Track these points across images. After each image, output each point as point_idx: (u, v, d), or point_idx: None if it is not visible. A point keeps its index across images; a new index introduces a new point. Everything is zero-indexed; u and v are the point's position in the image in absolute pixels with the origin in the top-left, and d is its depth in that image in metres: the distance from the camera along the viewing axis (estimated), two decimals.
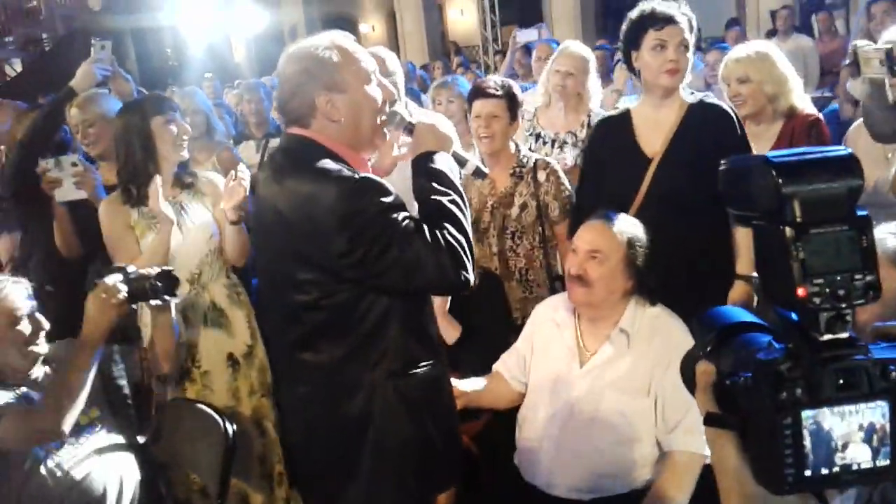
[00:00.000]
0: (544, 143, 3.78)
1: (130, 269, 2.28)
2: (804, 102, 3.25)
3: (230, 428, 2.50)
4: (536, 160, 3.11)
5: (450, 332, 2.81)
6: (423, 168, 1.93)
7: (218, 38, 13.96)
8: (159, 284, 2.26)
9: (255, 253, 2.17)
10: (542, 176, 3.05)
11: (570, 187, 3.10)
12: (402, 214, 1.80)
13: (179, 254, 2.79)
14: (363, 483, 1.93)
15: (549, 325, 2.48)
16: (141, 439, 2.44)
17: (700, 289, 2.41)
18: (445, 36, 17.70)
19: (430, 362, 1.98)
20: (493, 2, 12.78)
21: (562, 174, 3.11)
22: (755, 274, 2.65)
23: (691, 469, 2.17)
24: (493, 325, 2.94)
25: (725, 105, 2.85)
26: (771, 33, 8.06)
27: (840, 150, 0.83)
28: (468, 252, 1.84)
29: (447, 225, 1.82)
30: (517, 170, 3.08)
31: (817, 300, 0.78)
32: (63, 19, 13.46)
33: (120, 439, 2.37)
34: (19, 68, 13.60)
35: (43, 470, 2.18)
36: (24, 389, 2.25)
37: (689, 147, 2.69)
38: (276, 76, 1.98)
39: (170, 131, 2.77)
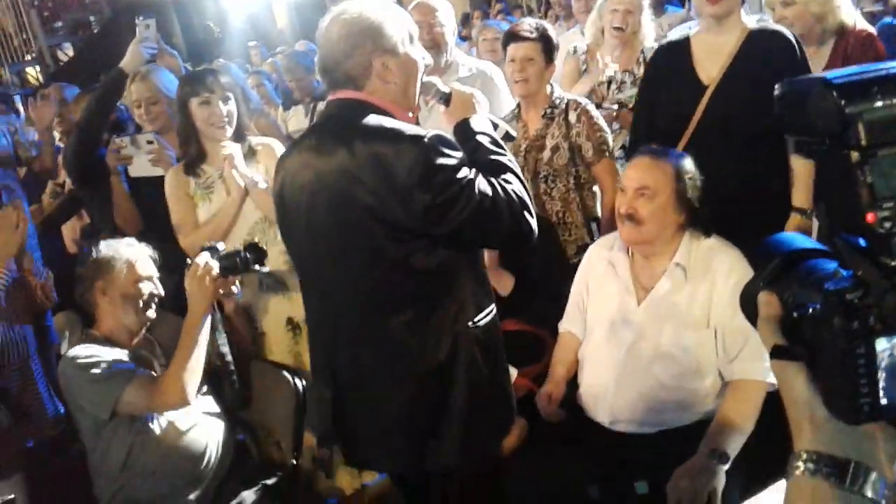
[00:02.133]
0: (600, 83, 3.71)
1: (220, 245, 2.42)
2: (854, 18, 3.12)
3: (300, 384, 2.60)
4: (568, 100, 3.07)
5: (505, 281, 2.84)
6: (471, 132, 2.02)
7: (259, 6, 13.97)
8: (249, 256, 2.41)
9: (288, 223, 2.12)
10: (573, 117, 3.02)
11: (604, 126, 3.05)
12: (472, 170, 1.86)
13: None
14: (456, 428, 1.97)
15: (602, 264, 2.48)
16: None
17: (755, 221, 2.36)
18: None
19: (492, 306, 2.05)
20: None
21: (595, 113, 3.06)
22: (810, 208, 2.61)
23: (755, 397, 2.17)
24: (548, 269, 2.94)
25: (787, 32, 2.72)
26: None
27: None
28: (531, 203, 1.93)
29: (511, 179, 1.92)
30: (549, 111, 3.05)
31: (888, 225, 0.75)
32: (109, 1, 13.62)
33: (216, 403, 2.52)
34: (71, 53, 13.87)
35: (153, 425, 2.34)
36: (132, 354, 2.41)
37: (747, 75, 2.61)
38: (320, 38, 1.98)
39: (204, 113, 2.85)
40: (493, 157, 1.98)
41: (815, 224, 2.65)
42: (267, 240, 2.91)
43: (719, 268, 2.25)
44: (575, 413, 2.43)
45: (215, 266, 2.40)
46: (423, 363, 1.95)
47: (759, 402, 2.17)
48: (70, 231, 4.18)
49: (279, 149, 2.99)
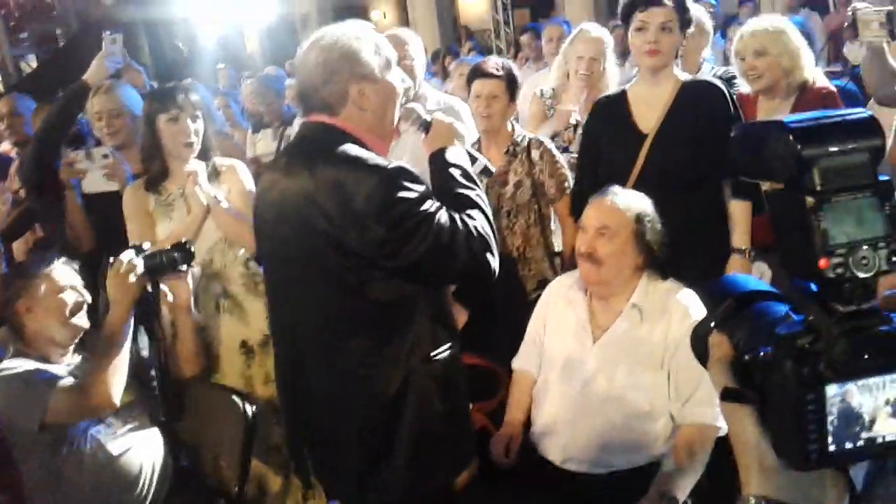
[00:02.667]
0: (567, 127, 3.76)
1: (145, 245, 2.37)
2: (817, 76, 3.23)
3: (249, 409, 2.55)
4: (530, 139, 3.13)
5: (458, 316, 2.83)
6: (445, 163, 2.00)
7: (230, 29, 13.98)
8: (176, 256, 2.35)
9: (260, 239, 2.13)
10: (535, 154, 3.08)
11: (565, 165, 3.12)
12: (435, 203, 1.84)
13: None
14: (399, 463, 1.94)
15: (561, 302, 2.50)
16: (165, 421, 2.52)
17: (696, 263, 2.44)
18: (457, 20, 17.61)
19: (451, 343, 2.03)
20: None
21: (556, 152, 3.14)
22: (749, 248, 2.69)
23: (705, 441, 2.18)
24: (506, 304, 2.95)
25: (719, 83, 2.89)
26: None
27: (859, 112, 0.79)
28: (495, 241, 1.91)
29: (476, 215, 1.89)
30: (511, 148, 3.10)
31: (840, 271, 0.74)
32: (76, 14, 13.49)
33: (150, 421, 2.45)
34: (35, 65, 13.70)
35: (83, 446, 2.27)
36: (69, 367, 2.34)
37: (683, 123, 2.75)
38: (297, 64, 1.99)
39: (172, 130, 2.80)
40: (461, 190, 1.96)
41: (755, 265, 2.74)
42: (226, 261, 2.89)
43: (675, 310, 2.27)
44: (526, 450, 2.42)
45: (139, 264, 2.34)
46: (372, 394, 1.94)
47: (710, 446, 2.18)
48: (23, 244, 4.08)
49: (243, 170, 2.97)
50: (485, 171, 2.19)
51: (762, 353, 0.79)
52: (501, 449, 2.41)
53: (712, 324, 0.89)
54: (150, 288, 2.42)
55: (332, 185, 1.82)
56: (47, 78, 11.13)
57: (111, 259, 2.36)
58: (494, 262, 1.90)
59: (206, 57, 11.58)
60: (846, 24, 2.83)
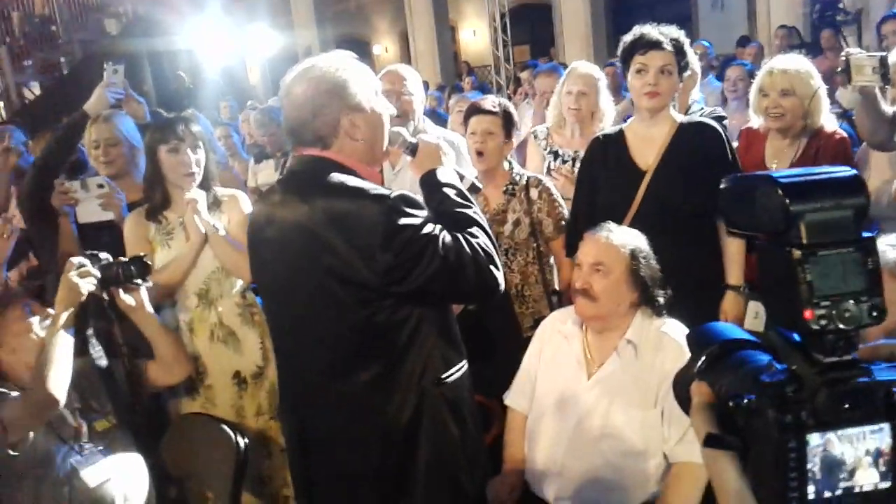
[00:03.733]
0: (563, 161, 3.80)
1: (102, 255, 2.36)
2: (829, 121, 3.21)
3: (241, 442, 2.53)
4: (529, 178, 3.16)
5: None
6: (438, 183, 2.01)
7: (233, 61, 14.12)
8: (132, 269, 2.35)
9: (259, 274, 2.13)
10: (534, 193, 3.11)
11: (563, 204, 3.15)
12: (437, 226, 1.85)
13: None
14: (420, 494, 1.92)
15: (557, 337, 2.49)
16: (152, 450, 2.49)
17: (691, 299, 2.45)
18: (458, 56, 17.81)
19: (462, 363, 2.02)
20: (506, 22, 12.86)
21: (555, 191, 3.16)
22: (743, 285, 2.71)
23: (697, 480, 2.15)
24: (501, 340, 2.94)
25: (714, 123, 2.93)
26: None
27: (845, 171, 0.82)
28: (498, 256, 1.92)
29: (477, 232, 1.90)
30: (510, 187, 3.13)
31: (824, 322, 0.77)
32: (81, 43, 13.62)
33: (134, 449, 2.41)
34: (38, 92, 13.79)
35: (60, 474, 2.23)
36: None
37: (681, 161, 2.80)
38: (282, 96, 1.98)
39: (172, 160, 2.83)
40: (459, 209, 1.96)
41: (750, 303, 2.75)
42: (222, 291, 2.89)
43: (669, 348, 2.27)
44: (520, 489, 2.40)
45: (94, 272, 2.34)
46: (386, 423, 1.91)
47: (702, 485, 2.15)
48: (16, 273, 4.07)
49: (244, 201, 2.98)
50: (472, 188, 2.20)
51: (746, 400, 0.80)
52: (503, 490, 2.39)
53: (695, 371, 0.91)
54: (106, 297, 2.41)
55: (334, 218, 1.82)
56: (49, 106, 11.22)
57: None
58: (500, 275, 1.91)
59: (209, 87, 11.69)
60: (839, 69, 2.85)
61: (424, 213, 1.87)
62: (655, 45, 2.76)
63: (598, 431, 2.28)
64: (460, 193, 2.02)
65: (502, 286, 1.92)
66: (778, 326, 0.83)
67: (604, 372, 2.33)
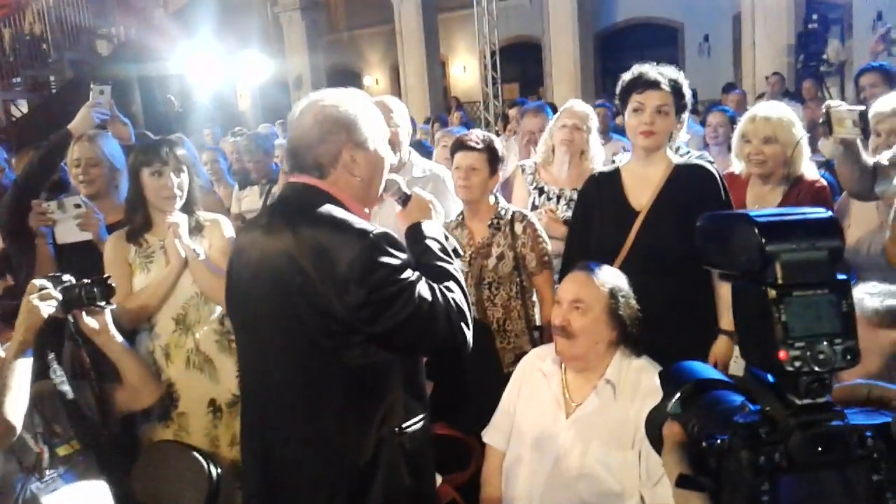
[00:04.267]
0: (549, 197, 3.80)
1: (65, 277, 2.32)
2: (810, 169, 3.26)
3: (214, 471, 2.48)
4: (514, 212, 3.18)
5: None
6: (422, 235, 2.03)
7: (224, 87, 14.17)
8: (95, 291, 2.31)
9: (232, 296, 2.11)
10: (518, 228, 3.12)
11: (546, 239, 3.16)
12: (415, 273, 1.85)
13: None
14: None
15: (536, 375, 2.48)
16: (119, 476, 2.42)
17: (683, 342, 2.44)
18: (447, 91, 17.98)
19: (423, 414, 2.00)
20: (496, 60, 13.02)
21: (539, 227, 3.18)
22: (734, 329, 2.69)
23: None
24: (482, 376, 2.92)
25: (708, 165, 2.95)
26: (762, 97, 8.22)
27: (821, 213, 0.82)
28: (470, 315, 1.92)
29: (454, 287, 1.91)
30: (495, 221, 3.14)
31: (798, 364, 0.76)
32: (71, 63, 13.64)
33: (99, 475, 2.35)
34: (26, 110, 13.77)
35: (19, 501, 2.17)
36: None
37: (675, 202, 2.79)
38: (291, 121, 2.00)
39: (155, 183, 2.82)
40: (439, 263, 1.97)
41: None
42: (200, 317, 2.86)
43: (647, 389, 2.26)
44: None
45: (56, 294, 2.28)
46: (344, 460, 1.90)
47: None
48: None
49: (227, 226, 2.97)
50: (454, 253, 2.20)
51: (719, 441, 0.80)
52: None
53: (668, 409, 0.90)
54: (71, 319, 2.36)
55: (316, 247, 1.82)
56: (35, 124, 11.19)
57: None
58: (469, 334, 1.91)
59: (199, 112, 11.71)
60: (821, 120, 2.89)
61: (405, 256, 1.87)
62: (653, 84, 2.77)
63: (576, 471, 2.26)
64: (442, 248, 2.03)
65: (470, 345, 1.92)
66: (752, 367, 0.83)
67: (582, 411, 2.32)
